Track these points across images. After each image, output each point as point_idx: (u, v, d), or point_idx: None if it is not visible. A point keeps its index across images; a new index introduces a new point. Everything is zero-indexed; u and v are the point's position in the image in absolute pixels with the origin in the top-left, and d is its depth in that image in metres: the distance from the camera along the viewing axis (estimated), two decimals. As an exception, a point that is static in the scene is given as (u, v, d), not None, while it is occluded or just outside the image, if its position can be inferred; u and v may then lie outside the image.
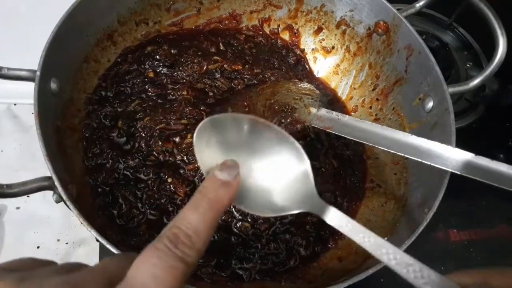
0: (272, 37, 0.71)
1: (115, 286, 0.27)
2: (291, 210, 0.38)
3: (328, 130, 0.53)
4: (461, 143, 0.50)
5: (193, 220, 0.29)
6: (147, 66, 0.61)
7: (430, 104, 0.55)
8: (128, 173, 0.53)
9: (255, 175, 0.38)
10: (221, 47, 0.66)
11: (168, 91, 0.59)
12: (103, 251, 0.58)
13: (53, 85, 0.49)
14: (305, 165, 0.37)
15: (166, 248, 0.28)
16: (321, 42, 0.70)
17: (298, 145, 0.38)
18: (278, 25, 0.71)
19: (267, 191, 0.38)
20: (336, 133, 0.53)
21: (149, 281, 0.26)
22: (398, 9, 0.61)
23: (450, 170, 0.46)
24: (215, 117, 0.37)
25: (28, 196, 0.44)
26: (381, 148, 0.50)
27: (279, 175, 0.38)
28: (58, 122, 0.50)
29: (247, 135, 0.38)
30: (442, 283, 0.31)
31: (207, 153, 0.37)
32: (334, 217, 0.36)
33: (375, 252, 0.33)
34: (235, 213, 0.53)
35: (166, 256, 0.27)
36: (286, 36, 0.71)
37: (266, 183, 0.38)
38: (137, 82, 0.59)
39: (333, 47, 0.70)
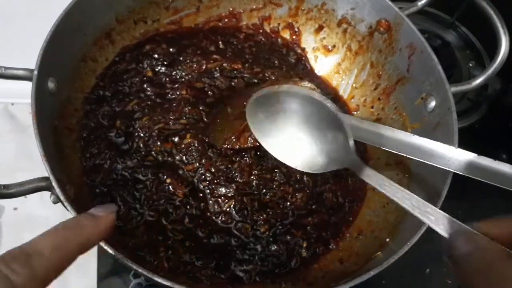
0: (273, 35, 0.70)
1: None
2: (334, 167, 0.48)
3: (329, 130, 0.53)
4: (464, 143, 0.49)
5: (40, 241, 0.26)
6: (145, 65, 0.60)
7: (433, 104, 0.55)
8: (126, 173, 0.52)
9: (301, 137, 0.49)
10: (221, 46, 0.66)
11: (167, 91, 0.58)
12: (101, 252, 0.58)
13: (51, 85, 0.48)
14: (344, 126, 0.46)
15: None
16: (322, 41, 0.70)
17: (335, 111, 0.46)
18: (279, 24, 0.70)
19: (312, 151, 0.49)
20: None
21: None
22: (400, 8, 0.60)
23: (452, 170, 0.46)
24: (262, 94, 0.49)
25: (25, 197, 0.43)
26: (383, 148, 0.49)
27: (321, 137, 0.48)
28: (55, 122, 0.50)
29: (296, 105, 0.48)
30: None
31: (259, 119, 0.49)
32: (371, 176, 0.44)
33: (413, 212, 0.39)
34: (235, 215, 0.52)
35: None
36: (286, 34, 0.71)
37: (310, 144, 0.49)
38: (135, 81, 0.59)
39: (334, 46, 0.69)
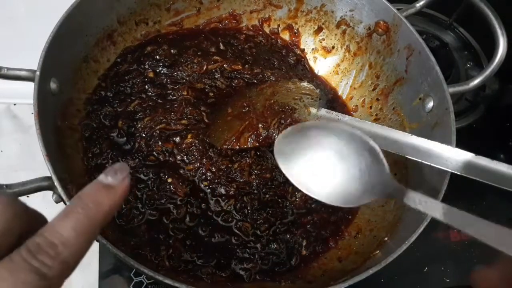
0: (272, 37, 0.71)
1: None
2: (371, 197, 0.42)
3: (328, 130, 0.53)
4: (462, 143, 0.50)
5: (62, 227, 0.25)
6: (147, 66, 0.61)
7: (431, 104, 0.55)
8: (128, 173, 0.53)
9: (332, 170, 0.44)
10: (221, 47, 0.66)
11: (168, 91, 0.59)
12: (103, 251, 0.58)
13: (53, 85, 0.49)
14: (375, 152, 0.42)
15: (20, 260, 0.23)
16: (321, 42, 0.70)
17: (366, 138, 0.43)
18: (278, 25, 0.71)
19: (345, 183, 0.43)
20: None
21: None
22: (398, 9, 0.61)
23: (450, 170, 0.46)
24: (284, 133, 0.48)
25: (27, 197, 0.43)
26: (381, 148, 0.49)
27: (351, 168, 0.44)
28: (58, 122, 0.50)
29: (325, 139, 0.45)
30: None
31: (292, 162, 0.46)
32: (415, 199, 0.39)
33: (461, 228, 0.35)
34: (235, 214, 0.53)
35: (18, 269, 0.23)
36: (286, 36, 0.71)
37: (343, 176, 0.44)
38: (137, 82, 0.59)
39: (333, 47, 0.70)
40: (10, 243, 0.25)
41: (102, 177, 0.28)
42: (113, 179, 0.28)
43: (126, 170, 0.29)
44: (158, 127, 0.55)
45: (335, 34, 0.69)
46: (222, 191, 0.53)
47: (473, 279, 0.33)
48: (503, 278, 0.32)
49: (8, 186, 0.42)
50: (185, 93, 0.59)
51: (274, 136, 0.54)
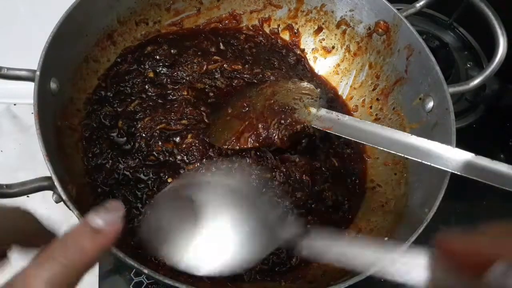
0: (272, 37, 0.71)
1: None
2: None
3: (328, 131, 0.53)
4: (462, 143, 0.50)
5: (35, 275, 0.21)
6: (147, 66, 0.61)
7: (431, 104, 0.55)
8: (128, 173, 0.53)
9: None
10: (221, 47, 0.66)
11: (168, 91, 0.59)
12: (103, 251, 0.58)
13: (53, 85, 0.49)
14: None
15: None
16: (321, 42, 0.70)
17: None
18: (278, 25, 0.71)
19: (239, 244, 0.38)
20: (336, 134, 0.53)
21: None
22: (398, 9, 0.61)
23: (450, 170, 0.46)
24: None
25: (27, 196, 0.43)
26: (381, 148, 0.50)
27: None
28: (58, 122, 0.50)
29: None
30: None
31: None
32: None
33: None
34: (235, 213, 0.53)
35: None
36: (286, 36, 0.71)
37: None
38: (137, 82, 0.59)
39: (333, 47, 0.70)
40: None
41: (91, 218, 0.25)
42: (103, 221, 0.24)
43: (119, 211, 0.26)
44: (158, 127, 0.55)
45: (335, 34, 0.69)
46: (222, 191, 0.53)
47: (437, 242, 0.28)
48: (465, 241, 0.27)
49: (8, 186, 0.42)
50: (185, 93, 0.59)
51: (274, 136, 0.54)
